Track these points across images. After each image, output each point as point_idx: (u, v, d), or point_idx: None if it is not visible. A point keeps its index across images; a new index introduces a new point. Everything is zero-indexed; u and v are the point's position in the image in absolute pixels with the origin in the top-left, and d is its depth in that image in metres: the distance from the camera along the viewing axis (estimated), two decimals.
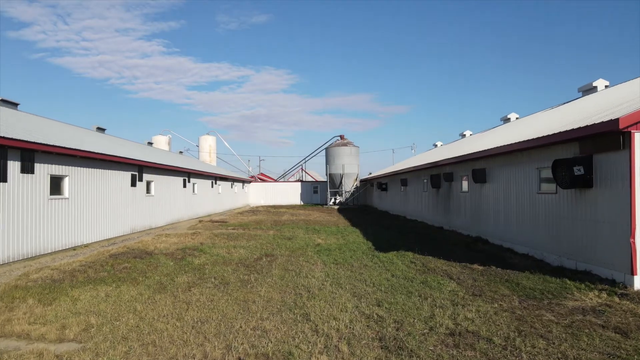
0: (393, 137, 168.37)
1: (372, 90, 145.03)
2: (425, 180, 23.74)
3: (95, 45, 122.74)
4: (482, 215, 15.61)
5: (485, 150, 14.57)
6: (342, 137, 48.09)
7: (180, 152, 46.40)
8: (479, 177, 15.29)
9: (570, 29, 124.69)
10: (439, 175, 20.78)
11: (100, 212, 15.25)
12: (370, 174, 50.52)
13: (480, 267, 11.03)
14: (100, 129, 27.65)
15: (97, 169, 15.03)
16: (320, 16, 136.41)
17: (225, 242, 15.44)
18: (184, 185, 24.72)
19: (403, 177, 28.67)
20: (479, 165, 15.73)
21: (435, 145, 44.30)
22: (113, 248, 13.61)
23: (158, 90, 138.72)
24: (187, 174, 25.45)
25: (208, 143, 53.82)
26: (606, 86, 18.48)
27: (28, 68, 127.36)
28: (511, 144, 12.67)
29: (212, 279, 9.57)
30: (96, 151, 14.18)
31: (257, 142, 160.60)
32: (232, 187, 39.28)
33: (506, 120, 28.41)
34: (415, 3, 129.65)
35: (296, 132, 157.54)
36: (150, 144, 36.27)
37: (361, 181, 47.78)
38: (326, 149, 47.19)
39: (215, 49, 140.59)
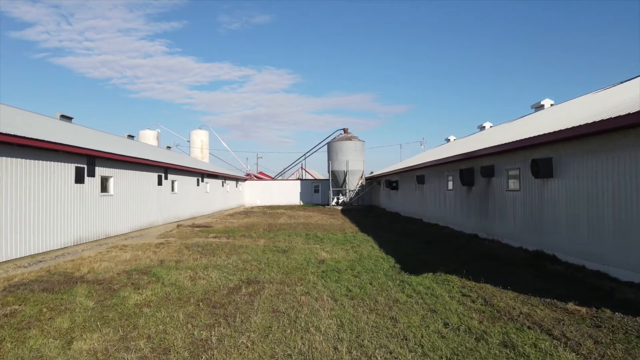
0: (394, 137, 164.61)
1: (373, 90, 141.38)
2: (450, 177, 19.65)
3: (97, 45, 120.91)
4: (546, 222, 11.51)
5: (553, 133, 10.48)
6: (345, 130, 43.90)
7: (168, 147, 42.27)
8: (542, 169, 11.20)
9: (569, 31, 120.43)
10: (471, 169, 16.69)
11: (24, 217, 11.15)
12: (372, 172, 46.44)
13: (584, 310, 6.93)
14: (66, 117, 23.56)
15: (16, 159, 10.91)
16: (321, 16, 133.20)
17: (196, 259, 11.35)
18: (159, 183, 20.61)
19: (419, 174, 24.56)
20: (541, 154, 11.63)
21: (448, 140, 40.21)
22: (24, 272, 9.48)
23: (159, 90, 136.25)
24: (164, 169, 21.33)
25: (200, 138, 49.76)
26: None
27: (29, 68, 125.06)
28: (603, 121, 8.58)
29: (142, 342, 5.48)
30: (9, 132, 10.05)
31: (258, 142, 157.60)
32: (223, 186, 35.17)
33: (538, 107, 24.37)
34: (415, 3, 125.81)
35: (296, 132, 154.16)
36: (131, 137, 31.99)
37: (367, 179, 43.67)
38: (328, 143, 43.02)
39: (217, 49, 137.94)
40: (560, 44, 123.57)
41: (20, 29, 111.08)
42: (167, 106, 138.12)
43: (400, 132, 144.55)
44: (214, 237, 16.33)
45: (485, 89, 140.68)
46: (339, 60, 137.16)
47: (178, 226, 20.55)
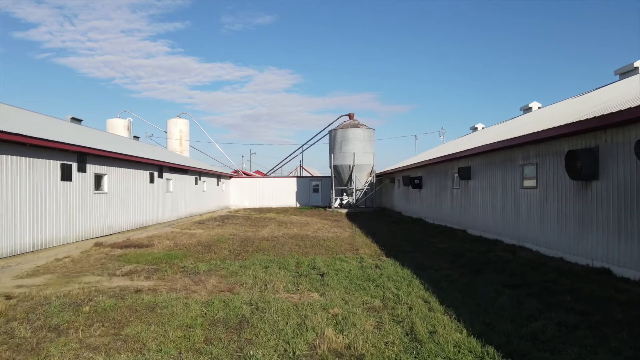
0: (395, 136, 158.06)
1: (374, 90, 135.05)
2: (530, 167, 12.27)
3: (100, 46, 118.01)
4: None
5: None
6: (351, 116, 36.30)
7: (136, 138, 34.77)
8: None
9: (572, 26, 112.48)
10: (591, 151, 9.31)
11: None
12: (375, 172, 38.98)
13: None
14: None
15: None
16: (323, 17, 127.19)
17: None
18: (67, 177, 13.10)
19: (463, 165, 17.17)
20: None
21: (475, 128, 32.78)
22: None
23: (161, 90, 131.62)
24: (79, 156, 13.83)
25: (178, 128, 42.27)
26: None
27: (32, 68, 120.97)
28: None
29: None
30: None
31: (258, 142, 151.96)
32: (197, 184, 27.72)
33: (626, 72, 17.05)
34: (417, 3, 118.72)
35: (297, 132, 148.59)
36: (76, 120, 24.25)
37: (377, 176, 36.15)
38: (330, 132, 35.40)
39: (219, 49, 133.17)
40: (566, 40, 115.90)
41: (24, 29, 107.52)
42: (169, 106, 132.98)
43: (402, 132, 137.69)
44: (125, 275, 8.89)
45: (487, 87, 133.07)
46: (340, 60, 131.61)
47: (96, 245, 13.10)
